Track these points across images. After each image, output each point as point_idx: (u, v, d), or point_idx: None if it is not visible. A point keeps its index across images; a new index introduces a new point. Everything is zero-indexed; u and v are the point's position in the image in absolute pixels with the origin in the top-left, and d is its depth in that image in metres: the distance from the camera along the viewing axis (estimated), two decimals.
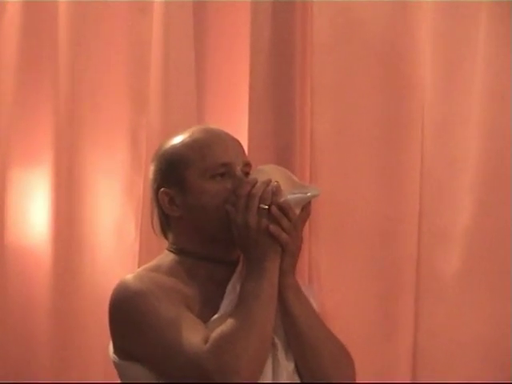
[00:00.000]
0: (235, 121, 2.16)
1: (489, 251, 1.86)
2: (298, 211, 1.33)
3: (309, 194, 1.35)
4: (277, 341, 1.34)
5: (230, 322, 1.24)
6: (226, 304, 1.33)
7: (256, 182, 1.32)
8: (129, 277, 1.34)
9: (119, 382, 1.40)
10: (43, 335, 2.50)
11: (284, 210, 1.30)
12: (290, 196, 1.32)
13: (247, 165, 1.42)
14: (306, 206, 1.36)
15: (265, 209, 1.29)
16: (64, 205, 2.44)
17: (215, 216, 1.36)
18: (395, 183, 1.96)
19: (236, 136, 1.47)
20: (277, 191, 1.31)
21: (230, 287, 1.36)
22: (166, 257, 1.43)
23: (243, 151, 1.46)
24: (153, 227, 1.48)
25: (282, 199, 1.31)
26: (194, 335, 1.24)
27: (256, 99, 2.07)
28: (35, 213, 2.53)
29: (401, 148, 1.97)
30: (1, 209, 2.53)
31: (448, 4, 1.93)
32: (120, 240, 2.37)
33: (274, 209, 1.29)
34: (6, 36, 2.51)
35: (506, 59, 1.85)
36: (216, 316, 1.31)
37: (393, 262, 1.94)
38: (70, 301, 2.40)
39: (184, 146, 1.41)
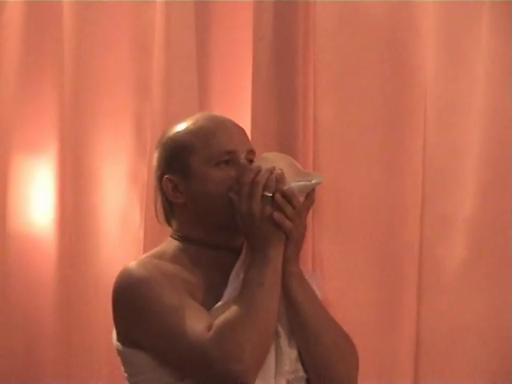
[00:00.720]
0: (238, 108, 2.16)
1: (491, 240, 1.86)
2: (301, 199, 1.33)
3: (313, 182, 1.34)
4: (280, 329, 1.34)
5: (233, 309, 1.24)
6: (229, 291, 1.33)
7: (260, 170, 1.32)
8: (132, 264, 1.34)
9: (123, 369, 1.40)
10: (48, 325, 2.50)
11: (288, 197, 1.30)
12: (293, 183, 1.32)
13: (251, 152, 1.41)
14: (310, 194, 1.36)
15: (269, 196, 1.29)
16: (68, 192, 2.44)
17: (219, 203, 1.36)
18: (398, 171, 1.97)
19: (239, 124, 1.47)
20: (280, 179, 1.31)
21: (233, 274, 1.36)
22: (169, 244, 1.42)
23: (247, 138, 1.46)
24: (156, 214, 1.48)
25: (285, 187, 1.30)
26: (198, 322, 1.24)
27: (259, 87, 2.06)
28: (39, 201, 2.53)
29: (403, 136, 1.97)
30: (3, 196, 2.53)
31: None
32: (125, 227, 2.38)
33: (277, 196, 1.29)
34: (11, 23, 2.51)
35: (508, 47, 1.85)
36: (219, 303, 1.31)
37: (395, 251, 1.95)
38: (75, 289, 2.40)
39: (188, 133, 1.40)
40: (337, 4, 1.98)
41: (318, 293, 1.44)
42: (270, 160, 1.37)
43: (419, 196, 1.94)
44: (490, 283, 1.86)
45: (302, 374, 1.37)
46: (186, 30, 2.22)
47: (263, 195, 1.29)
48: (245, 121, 1.92)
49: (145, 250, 2.14)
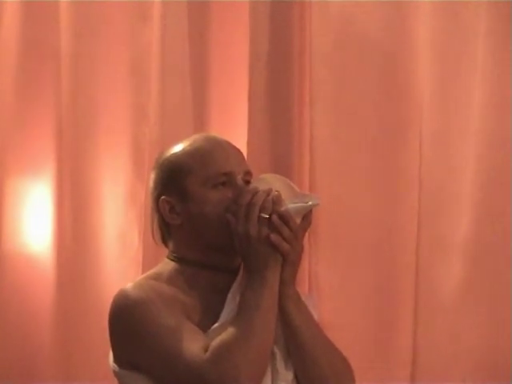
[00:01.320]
0: (234, 129, 2.16)
1: (488, 261, 1.86)
2: (298, 220, 1.33)
3: (310, 203, 1.34)
4: (276, 350, 1.34)
5: (230, 331, 1.24)
6: (226, 313, 1.33)
7: (257, 191, 1.31)
8: (129, 285, 1.34)
9: None
10: (46, 346, 2.49)
11: (285, 219, 1.29)
12: (290, 205, 1.32)
13: (248, 173, 1.41)
14: (307, 216, 1.36)
15: (265, 218, 1.29)
16: (66, 213, 2.44)
17: (216, 225, 1.35)
18: (394, 192, 1.97)
19: (235, 144, 1.47)
20: (277, 200, 1.31)
21: (230, 296, 1.35)
22: (166, 265, 1.42)
23: (244, 160, 1.46)
24: (153, 235, 1.48)
25: (282, 208, 1.30)
26: (194, 344, 1.24)
27: (255, 107, 2.07)
28: (37, 222, 2.52)
29: (399, 157, 1.98)
30: None
31: (447, 12, 1.94)
32: (123, 248, 2.37)
33: (274, 218, 1.29)
34: (6, 41, 2.51)
35: (504, 67, 1.86)
36: (216, 325, 1.30)
37: (392, 272, 1.95)
38: (73, 310, 2.39)
39: (185, 154, 1.40)
40: (333, 22, 1.99)
41: (314, 315, 1.43)
42: (267, 181, 1.37)
43: (415, 217, 1.94)
44: (487, 304, 1.86)
45: None
46: (181, 52, 2.23)
47: (260, 217, 1.29)
48: (241, 141, 1.93)
49: (143, 271, 2.14)
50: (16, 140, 2.50)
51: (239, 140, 1.84)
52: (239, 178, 1.38)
